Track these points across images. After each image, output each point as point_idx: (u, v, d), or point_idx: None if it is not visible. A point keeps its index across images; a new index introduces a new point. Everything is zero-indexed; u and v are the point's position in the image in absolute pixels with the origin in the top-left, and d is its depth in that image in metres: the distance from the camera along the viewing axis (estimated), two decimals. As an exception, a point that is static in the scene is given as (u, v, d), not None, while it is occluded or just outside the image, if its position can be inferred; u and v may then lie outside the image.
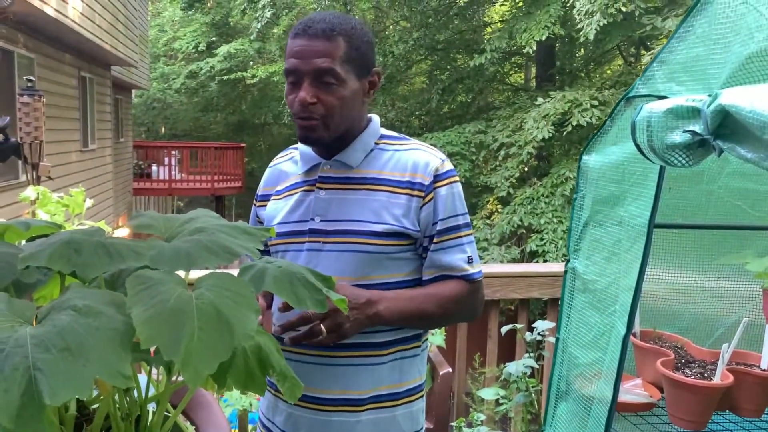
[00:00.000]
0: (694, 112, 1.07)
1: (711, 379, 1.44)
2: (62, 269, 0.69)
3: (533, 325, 2.07)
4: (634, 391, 1.54)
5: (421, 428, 1.45)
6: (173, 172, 14.55)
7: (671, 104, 1.12)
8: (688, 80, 1.20)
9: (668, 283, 1.72)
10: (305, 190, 1.40)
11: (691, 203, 1.68)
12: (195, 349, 0.61)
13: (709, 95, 1.04)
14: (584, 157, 1.59)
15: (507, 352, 2.57)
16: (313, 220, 1.36)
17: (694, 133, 1.07)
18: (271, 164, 1.54)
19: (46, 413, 0.54)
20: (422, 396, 1.45)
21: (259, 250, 0.84)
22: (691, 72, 1.20)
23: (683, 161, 1.12)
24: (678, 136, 1.10)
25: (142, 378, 0.84)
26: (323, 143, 1.35)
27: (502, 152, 10.49)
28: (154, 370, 0.88)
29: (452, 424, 2.32)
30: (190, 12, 19.98)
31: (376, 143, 1.40)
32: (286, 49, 1.32)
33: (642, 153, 1.20)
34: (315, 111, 1.29)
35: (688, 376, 1.44)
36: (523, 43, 10.18)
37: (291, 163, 1.48)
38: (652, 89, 1.30)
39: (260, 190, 1.53)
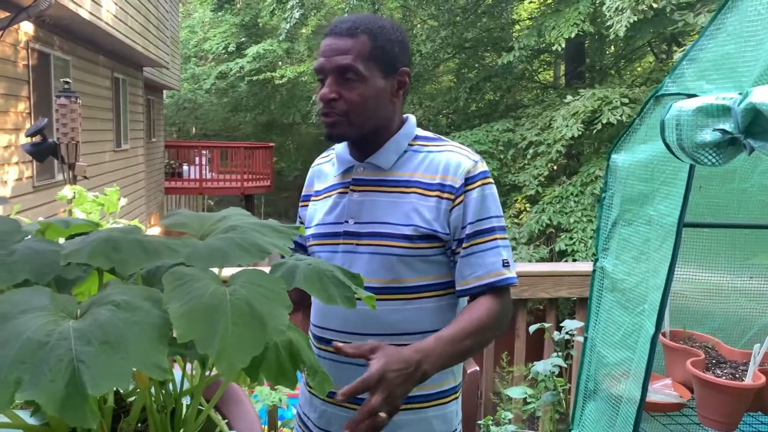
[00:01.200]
0: (724, 111, 1.06)
1: (742, 380, 1.42)
2: (102, 266, 0.71)
3: (561, 324, 2.07)
4: (663, 391, 1.53)
5: (455, 430, 1.44)
6: (204, 172, 14.74)
7: (701, 102, 1.11)
8: (718, 78, 1.19)
9: (699, 282, 1.70)
10: (340, 192, 1.41)
11: (722, 202, 1.66)
12: (229, 344, 0.63)
13: (740, 93, 1.03)
14: (613, 156, 1.58)
15: (535, 352, 2.56)
16: (347, 222, 1.37)
17: (724, 131, 1.06)
18: (313, 165, 1.56)
19: (89, 403, 0.56)
20: (456, 398, 1.44)
21: (293, 248, 0.86)
22: (722, 70, 1.19)
23: (713, 160, 1.11)
24: (708, 135, 1.09)
25: (177, 372, 0.86)
26: (348, 140, 1.36)
27: (531, 151, 10.40)
28: (188, 365, 0.91)
29: (480, 422, 2.33)
30: (219, 13, 20.23)
31: (410, 144, 1.40)
32: None
33: (671, 152, 1.19)
34: (336, 107, 1.30)
35: (719, 377, 1.43)
36: (552, 41, 10.08)
37: (330, 164, 1.50)
38: (682, 87, 1.29)
39: (303, 191, 1.55)
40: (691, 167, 1.26)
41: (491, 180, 1.38)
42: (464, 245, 1.33)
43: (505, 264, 1.33)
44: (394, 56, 1.34)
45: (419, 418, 1.37)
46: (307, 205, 1.52)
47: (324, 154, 1.56)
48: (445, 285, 1.38)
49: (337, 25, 1.32)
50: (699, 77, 1.25)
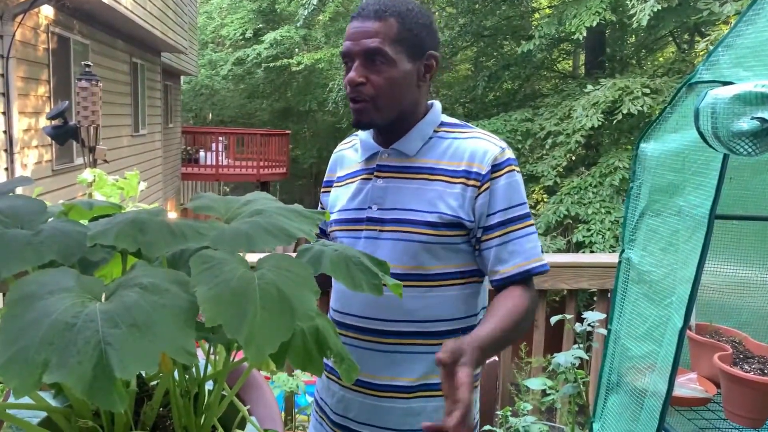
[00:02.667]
0: (763, 99, 1.03)
1: (771, 376, 1.39)
2: (128, 247, 0.70)
3: (583, 316, 2.04)
4: (688, 386, 1.50)
5: (474, 420, 1.43)
6: (220, 158, 14.79)
7: (739, 90, 1.08)
8: (756, 65, 1.16)
9: (726, 276, 1.67)
10: (364, 178, 1.40)
11: (753, 194, 1.62)
12: (257, 328, 0.62)
13: (781, 80, 1.00)
14: (642, 145, 1.55)
15: (553, 343, 2.54)
16: (370, 208, 1.36)
17: (762, 120, 1.03)
18: (336, 150, 1.55)
19: (116, 386, 0.55)
20: (476, 387, 1.43)
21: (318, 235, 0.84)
22: (761, 56, 1.15)
23: (750, 150, 1.08)
24: (745, 124, 1.06)
25: (200, 357, 0.85)
26: (376, 126, 1.34)
27: (549, 141, 10.30)
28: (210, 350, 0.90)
29: (498, 412, 2.31)
30: (237, -1, 20.19)
31: (435, 131, 1.38)
32: None
33: (705, 141, 1.16)
34: (364, 92, 1.28)
35: (746, 372, 1.40)
36: (573, 30, 9.94)
37: (353, 150, 1.48)
38: (717, 75, 1.25)
39: (325, 177, 1.54)
40: (725, 157, 1.23)
41: (518, 167, 1.36)
42: (497, 233, 1.31)
43: (534, 252, 1.33)
44: (421, 40, 1.32)
45: (438, 406, 1.36)
46: (329, 191, 1.50)
47: (346, 140, 1.54)
48: (468, 273, 1.36)
49: (365, 8, 1.30)
50: (735, 64, 1.21)
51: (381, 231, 1.34)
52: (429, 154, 1.36)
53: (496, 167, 1.32)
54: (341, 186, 1.45)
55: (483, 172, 1.31)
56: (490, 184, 1.31)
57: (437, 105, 1.42)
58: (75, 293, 0.63)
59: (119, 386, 0.56)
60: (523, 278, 1.31)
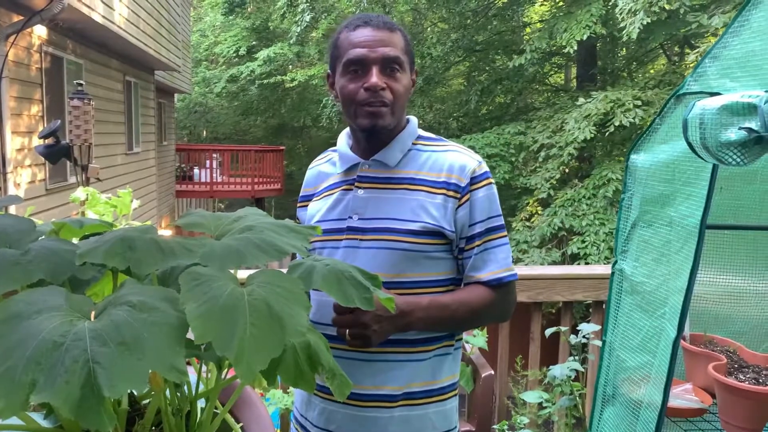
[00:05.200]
0: (750, 109, 1.04)
1: (766, 385, 1.39)
2: (117, 265, 0.70)
3: (578, 328, 2.04)
4: (684, 396, 1.50)
5: (455, 428, 1.45)
6: (215, 175, 14.78)
7: (726, 101, 1.09)
8: (743, 76, 1.17)
9: (719, 285, 1.67)
10: (344, 189, 1.42)
11: (744, 203, 1.63)
12: (247, 345, 0.62)
13: (767, 91, 1.00)
14: (632, 156, 1.56)
15: (549, 355, 2.53)
16: (351, 218, 1.39)
17: (750, 130, 1.04)
18: (311, 166, 1.58)
19: (105, 405, 0.54)
20: (455, 395, 1.46)
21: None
22: (747, 67, 1.16)
23: (738, 159, 1.09)
24: (733, 134, 1.07)
25: (192, 374, 0.85)
26: (384, 131, 1.38)
27: (543, 153, 10.36)
28: (203, 368, 0.89)
29: (495, 426, 2.30)
30: (230, 17, 20.29)
31: (414, 144, 1.43)
32: (341, 42, 1.36)
33: (694, 151, 1.17)
34: (385, 97, 1.33)
35: (741, 381, 1.40)
36: (564, 43, 10.03)
37: (329, 164, 1.51)
38: (705, 86, 1.26)
39: (302, 192, 1.57)
40: (714, 167, 1.23)
41: (492, 179, 1.43)
42: (477, 242, 1.37)
43: (507, 262, 1.40)
44: (413, 55, 1.41)
45: (421, 414, 1.38)
46: (306, 206, 1.53)
47: (321, 156, 1.58)
48: (447, 282, 1.40)
49: (372, 19, 1.35)
50: (722, 75, 1.22)
51: (362, 240, 1.36)
52: (409, 165, 1.40)
53: (474, 180, 1.37)
54: (320, 199, 1.48)
55: (462, 185, 1.36)
56: (470, 196, 1.37)
57: (413, 119, 1.48)
58: (63, 312, 0.63)
59: (108, 406, 0.55)
60: (493, 285, 1.37)
